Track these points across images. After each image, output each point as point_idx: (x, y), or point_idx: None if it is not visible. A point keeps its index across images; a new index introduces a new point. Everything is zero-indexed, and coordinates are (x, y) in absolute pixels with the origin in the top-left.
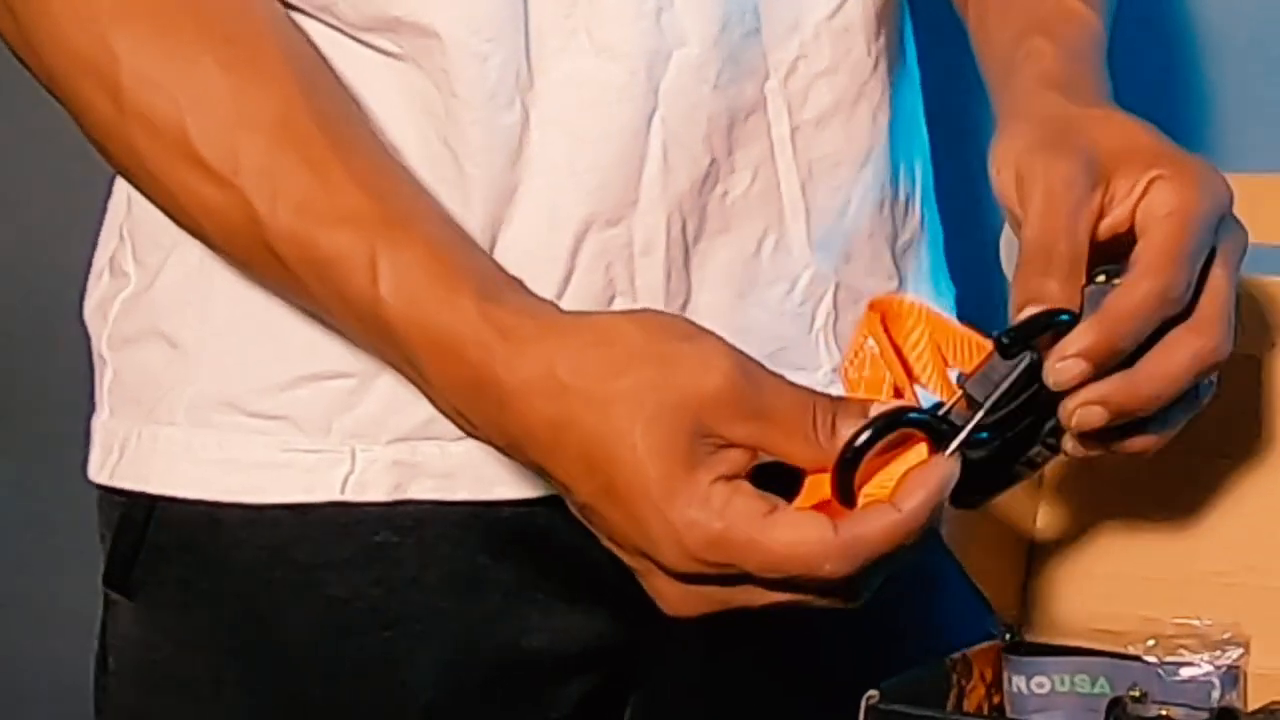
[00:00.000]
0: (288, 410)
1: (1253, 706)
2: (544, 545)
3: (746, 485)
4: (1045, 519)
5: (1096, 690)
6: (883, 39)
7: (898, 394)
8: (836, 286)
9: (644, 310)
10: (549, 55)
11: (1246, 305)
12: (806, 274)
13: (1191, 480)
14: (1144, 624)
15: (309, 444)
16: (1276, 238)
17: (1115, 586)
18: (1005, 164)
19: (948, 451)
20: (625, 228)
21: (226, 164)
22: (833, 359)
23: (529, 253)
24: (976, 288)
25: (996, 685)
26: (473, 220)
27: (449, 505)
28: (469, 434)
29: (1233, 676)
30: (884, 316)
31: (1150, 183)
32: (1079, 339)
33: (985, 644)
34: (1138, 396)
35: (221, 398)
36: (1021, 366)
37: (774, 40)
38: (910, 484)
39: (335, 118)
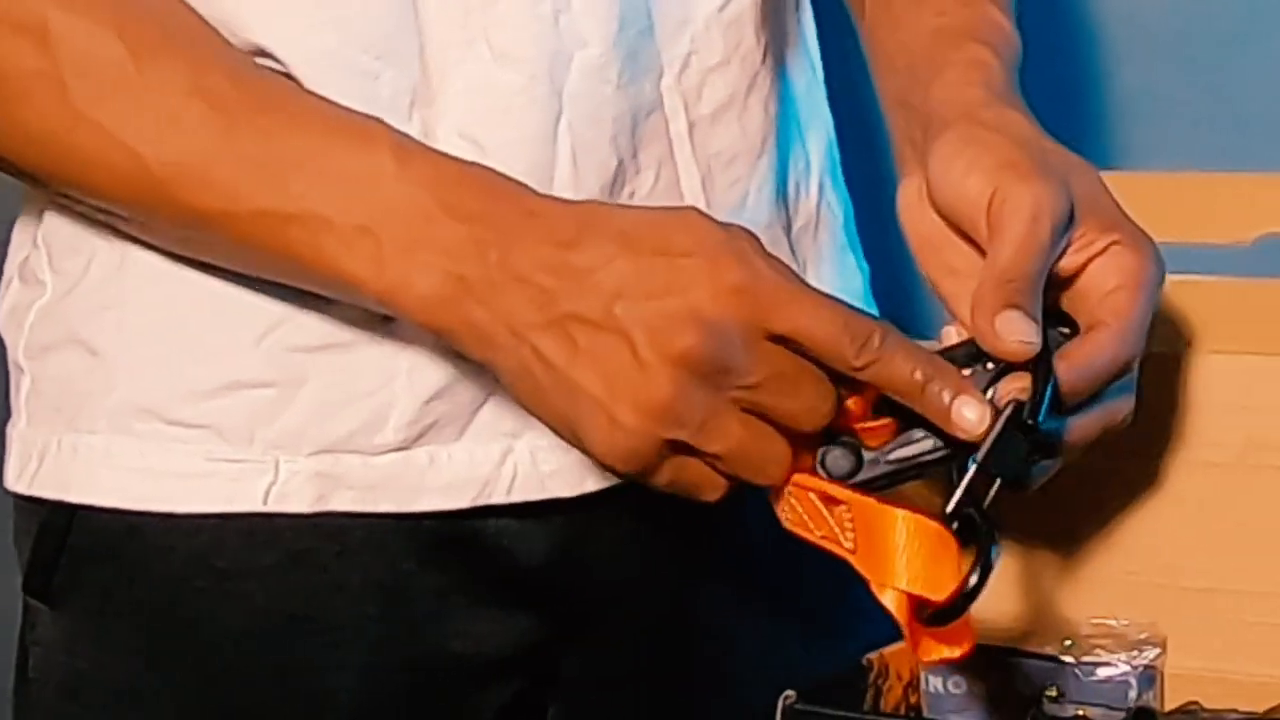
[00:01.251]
0: (210, 419)
1: (1170, 706)
2: (469, 550)
3: None
4: None
5: None
6: (770, 27)
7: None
8: None
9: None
10: (449, 66)
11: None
12: None
13: (1108, 480)
14: (1061, 624)
15: (232, 453)
16: (1184, 236)
17: (1032, 586)
18: (973, 170)
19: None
20: None
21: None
22: None
23: None
24: (888, 269)
25: (914, 685)
26: None
27: (372, 515)
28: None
29: (1150, 676)
30: None
31: (1109, 245)
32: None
33: (902, 643)
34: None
35: (142, 406)
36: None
37: (666, 36)
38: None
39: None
